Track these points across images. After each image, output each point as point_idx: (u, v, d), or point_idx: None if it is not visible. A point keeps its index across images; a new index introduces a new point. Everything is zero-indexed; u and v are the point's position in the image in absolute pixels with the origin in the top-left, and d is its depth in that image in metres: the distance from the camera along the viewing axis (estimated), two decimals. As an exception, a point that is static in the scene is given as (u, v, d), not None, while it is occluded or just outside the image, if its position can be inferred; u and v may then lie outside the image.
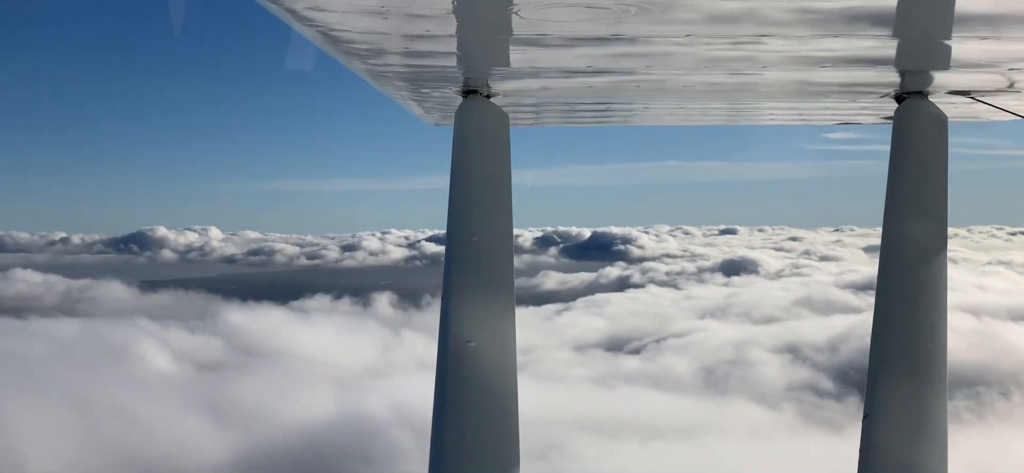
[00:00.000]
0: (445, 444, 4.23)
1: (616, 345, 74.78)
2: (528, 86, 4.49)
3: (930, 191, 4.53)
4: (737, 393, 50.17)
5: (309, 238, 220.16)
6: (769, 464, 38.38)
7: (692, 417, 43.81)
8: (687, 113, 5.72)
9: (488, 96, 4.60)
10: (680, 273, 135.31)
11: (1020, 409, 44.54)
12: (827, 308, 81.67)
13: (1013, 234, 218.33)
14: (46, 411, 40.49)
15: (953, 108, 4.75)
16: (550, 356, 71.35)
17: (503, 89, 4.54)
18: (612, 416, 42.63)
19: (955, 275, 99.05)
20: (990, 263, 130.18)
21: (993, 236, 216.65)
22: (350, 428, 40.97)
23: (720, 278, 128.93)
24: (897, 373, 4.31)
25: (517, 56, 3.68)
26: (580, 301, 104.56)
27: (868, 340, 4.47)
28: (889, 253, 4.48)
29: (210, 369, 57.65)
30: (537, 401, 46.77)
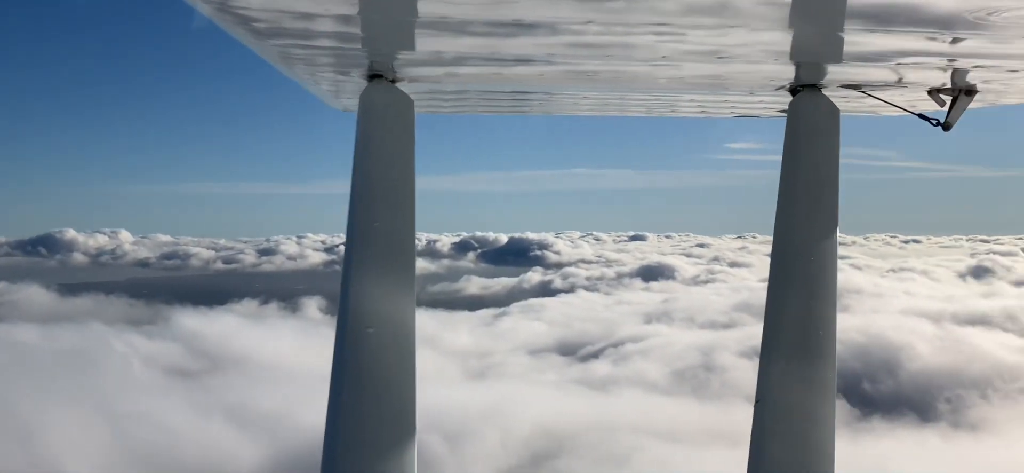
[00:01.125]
0: (341, 431, 4.23)
1: (568, 350, 75.45)
2: (435, 72, 4.40)
3: (822, 183, 4.65)
4: (731, 397, 51.44)
5: (223, 242, 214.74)
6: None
7: (707, 421, 44.83)
8: (592, 104, 5.76)
9: (393, 81, 4.56)
10: (600, 278, 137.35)
11: (1000, 410, 46.94)
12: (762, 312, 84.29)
13: (906, 242, 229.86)
14: (66, 420, 38.80)
15: (846, 102, 4.85)
16: (509, 360, 71.88)
17: (409, 74, 4.47)
18: (632, 420, 43.26)
19: (881, 282, 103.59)
20: (891, 270, 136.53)
21: (888, 244, 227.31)
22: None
23: (639, 283, 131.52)
24: (788, 361, 4.40)
25: (423, 40, 3.62)
26: (515, 306, 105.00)
27: None
28: (781, 244, 4.60)
29: (183, 375, 56.05)
30: (534, 405, 47.17)
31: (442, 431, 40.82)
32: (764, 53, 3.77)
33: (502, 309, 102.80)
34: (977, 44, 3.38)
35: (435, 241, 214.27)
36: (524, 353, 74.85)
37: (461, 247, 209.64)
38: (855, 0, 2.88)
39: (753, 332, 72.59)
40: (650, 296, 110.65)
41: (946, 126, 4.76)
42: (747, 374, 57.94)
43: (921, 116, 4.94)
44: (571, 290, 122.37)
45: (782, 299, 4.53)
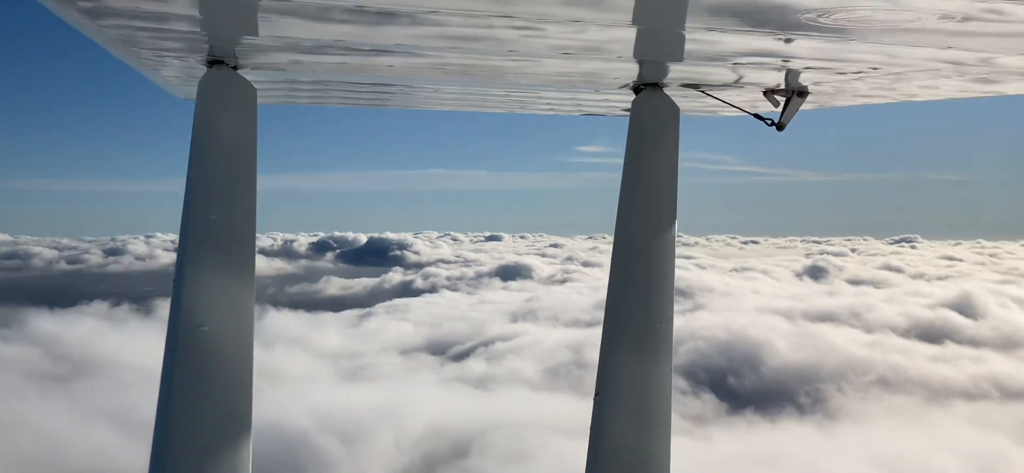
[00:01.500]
0: (170, 433, 4.08)
1: (438, 349, 76.15)
2: (277, 59, 4.30)
3: (662, 181, 4.73)
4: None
5: (66, 241, 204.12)
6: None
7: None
8: (450, 98, 5.76)
9: (235, 67, 4.43)
10: (460, 278, 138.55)
11: (855, 401, 50.55)
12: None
13: (745, 243, 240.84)
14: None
15: (686, 101, 4.97)
16: (382, 361, 72.02)
17: (251, 61, 4.36)
18: (520, 417, 44.40)
19: (729, 281, 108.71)
20: (735, 269, 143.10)
21: (728, 245, 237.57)
22: (272, 437, 40.25)
23: (498, 282, 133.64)
24: (627, 354, 4.46)
25: (265, 26, 3.55)
26: (380, 306, 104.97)
27: None
28: (622, 240, 4.66)
29: (50, 380, 53.87)
30: (422, 405, 47.70)
31: (335, 433, 41.01)
32: (609, 51, 3.82)
33: (366, 310, 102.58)
34: (809, 45, 3.48)
35: (292, 241, 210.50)
36: (395, 353, 75.14)
37: (319, 247, 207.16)
38: (692, 1, 2.95)
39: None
40: (511, 295, 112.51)
41: (780, 126, 4.95)
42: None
43: (757, 116, 5.10)
44: (434, 290, 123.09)
45: (622, 294, 4.58)
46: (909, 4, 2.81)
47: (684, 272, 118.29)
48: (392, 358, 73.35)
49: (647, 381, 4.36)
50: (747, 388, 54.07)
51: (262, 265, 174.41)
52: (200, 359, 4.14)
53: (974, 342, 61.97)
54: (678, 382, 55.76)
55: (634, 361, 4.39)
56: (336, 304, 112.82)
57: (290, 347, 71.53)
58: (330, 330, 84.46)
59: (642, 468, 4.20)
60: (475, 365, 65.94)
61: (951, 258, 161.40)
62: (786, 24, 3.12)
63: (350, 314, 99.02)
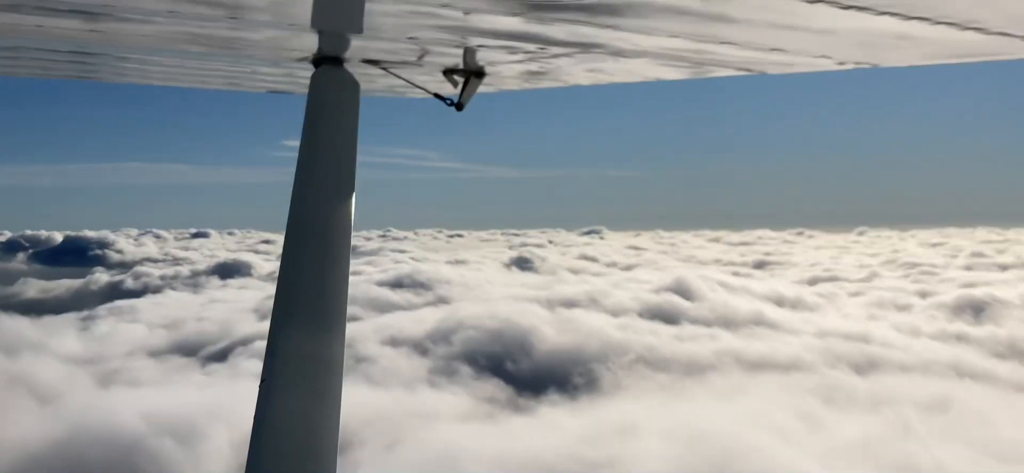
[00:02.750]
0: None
1: (189, 350, 74.71)
2: None
3: (340, 161, 4.58)
4: (393, 383, 55.68)
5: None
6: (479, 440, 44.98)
7: (394, 408, 48.72)
8: (149, 71, 5.52)
9: None
10: (175, 277, 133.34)
11: (623, 376, 56.60)
12: (379, 305, 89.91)
13: (451, 236, 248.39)
14: None
15: (369, 80, 4.94)
16: (136, 364, 69.40)
17: None
18: (355, 411, 45.80)
19: (465, 273, 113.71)
20: (452, 262, 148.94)
21: (436, 238, 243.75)
22: (97, 443, 39.03)
23: (217, 281, 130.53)
24: (299, 333, 4.22)
25: None
26: (102, 309, 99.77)
27: None
28: (296, 221, 4.42)
29: None
30: (229, 406, 47.47)
31: (171, 434, 40.56)
32: (284, 17, 3.71)
33: (87, 313, 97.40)
34: (483, 22, 3.48)
35: None
36: (144, 356, 72.70)
37: (9, 247, 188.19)
38: None
39: (382, 322, 77.75)
40: (240, 294, 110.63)
41: (459, 106, 4.99)
42: (402, 361, 62.77)
43: (438, 96, 5.12)
44: (149, 290, 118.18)
45: (294, 276, 4.36)
46: None
47: (403, 265, 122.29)
48: (144, 361, 70.88)
49: (318, 367, 4.18)
50: (525, 372, 58.62)
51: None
52: (296, 350, 4.14)
53: (705, 322, 70.63)
54: (462, 368, 59.45)
55: (304, 348, 4.18)
56: (39, 307, 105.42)
57: (35, 353, 67.14)
58: (66, 335, 79.63)
59: (307, 453, 3.92)
60: (246, 364, 65.57)
61: (636, 247, 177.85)
62: None
63: (69, 317, 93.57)
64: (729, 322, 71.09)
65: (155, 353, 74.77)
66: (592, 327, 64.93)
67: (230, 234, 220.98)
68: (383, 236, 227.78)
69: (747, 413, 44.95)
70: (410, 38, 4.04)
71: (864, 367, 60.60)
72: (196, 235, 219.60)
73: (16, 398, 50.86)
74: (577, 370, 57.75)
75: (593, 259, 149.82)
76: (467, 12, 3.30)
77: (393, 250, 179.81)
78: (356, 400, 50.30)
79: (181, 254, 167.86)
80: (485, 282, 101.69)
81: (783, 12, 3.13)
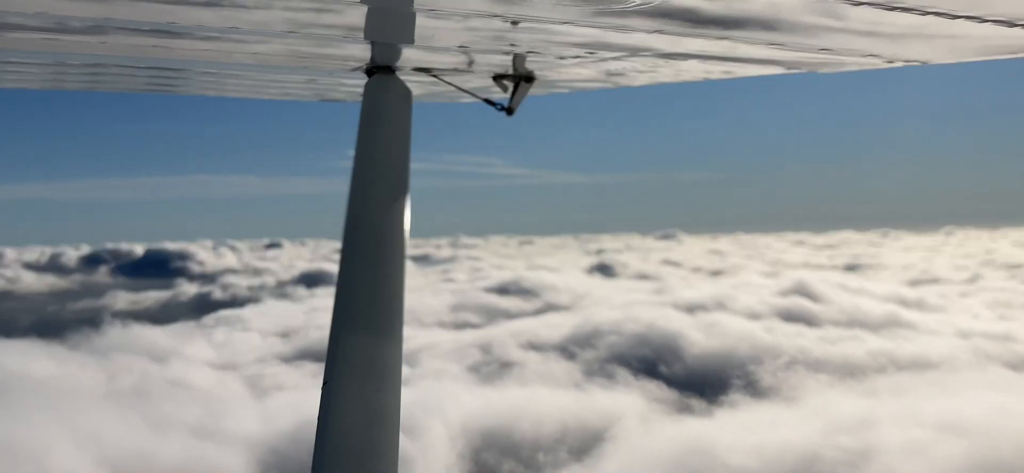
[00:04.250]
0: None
1: (317, 356, 74.96)
2: None
3: (394, 169, 4.65)
4: (561, 385, 55.66)
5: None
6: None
7: (575, 409, 48.73)
8: (172, 81, 5.54)
9: None
10: (261, 287, 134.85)
11: (786, 378, 56.16)
12: (491, 311, 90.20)
13: (521, 243, 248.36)
14: None
15: (420, 87, 5.00)
16: (274, 371, 70.11)
17: None
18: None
19: (571, 280, 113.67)
20: (535, 267, 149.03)
21: (506, 245, 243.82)
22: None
23: (303, 290, 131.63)
24: (357, 345, 4.29)
25: None
26: (209, 318, 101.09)
27: None
28: (353, 227, 4.52)
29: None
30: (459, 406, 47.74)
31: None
32: (338, 29, 3.77)
33: (194, 322, 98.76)
34: (531, 27, 3.52)
35: (59, 255, 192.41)
36: (278, 362, 73.40)
37: (92, 261, 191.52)
38: None
39: (521, 327, 77.81)
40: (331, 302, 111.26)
41: (509, 111, 5.02)
42: (554, 364, 62.74)
43: (488, 101, 5.16)
44: (241, 301, 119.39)
45: (352, 282, 4.45)
46: None
47: (505, 272, 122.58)
48: (277, 367, 71.59)
49: (376, 373, 4.19)
50: (682, 374, 58.37)
51: (32, 281, 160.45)
52: (356, 354, 4.20)
53: (844, 323, 69.99)
54: (618, 371, 59.30)
55: (364, 353, 4.23)
56: (130, 318, 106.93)
57: (182, 362, 67.98)
58: (195, 342, 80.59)
59: (369, 455, 3.98)
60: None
61: (717, 251, 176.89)
62: (511, 5, 3.12)
63: (180, 327, 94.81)
64: (866, 324, 70.32)
65: (286, 359, 75.63)
66: (738, 330, 64.54)
67: (302, 244, 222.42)
68: (453, 244, 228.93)
69: (948, 411, 44.32)
70: (460, 46, 4.05)
71: (1019, 365, 59.82)
72: (270, 245, 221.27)
73: (193, 402, 51.50)
74: (734, 373, 57.38)
75: (676, 264, 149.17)
76: (516, 20, 3.36)
77: (468, 258, 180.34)
78: (534, 401, 50.35)
79: (260, 264, 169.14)
80: (594, 287, 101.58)
81: (829, 12, 3.13)
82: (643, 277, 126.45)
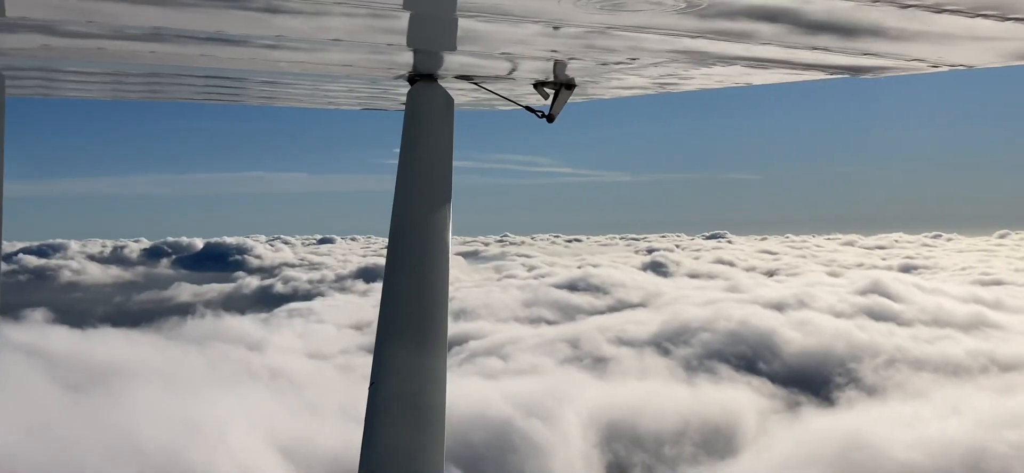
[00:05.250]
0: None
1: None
2: (26, 43, 3.90)
3: (436, 174, 4.74)
4: (664, 380, 56.18)
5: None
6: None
7: (693, 403, 49.27)
8: (217, 90, 5.62)
9: None
10: (321, 281, 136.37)
11: (893, 376, 56.37)
12: (565, 308, 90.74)
13: (569, 241, 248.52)
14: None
15: (462, 94, 5.08)
16: (360, 361, 71.03)
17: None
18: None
19: (638, 277, 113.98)
20: (586, 265, 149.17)
21: (554, 243, 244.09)
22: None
23: (362, 284, 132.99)
24: (402, 346, 4.39)
25: (12, 3, 3.19)
26: (279, 311, 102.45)
27: None
28: (397, 233, 4.63)
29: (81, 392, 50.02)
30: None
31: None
32: (381, 40, 3.83)
33: (267, 313, 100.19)
34: (573, 35, 3.56)
35: (122, 248, 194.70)
36: (363, 352, 74.29)
37: (153, 253, 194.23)
38: None
39: (596, 323, 78.32)
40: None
41: (550, 118, 5.10)
42: (652, 359, 63.25)
43: (528, 108, 5.21)
44: (303, 295, 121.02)
45: (398, 285, 4.55)
46: None
47: (572, 270, 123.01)
48: (363, 357, 72.55)
49: (422, 374, 4.31)
50: (782, 371, 58.67)
51: (97, 272, 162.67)
52: (402, 354, 4.30)
53: (931, 323, 70.03)
54: (721, 368, 59.74)
55: (409, 353, 4.35)
56: (187, 310, 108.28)
57: (279, 352, 69.06)
58: (281, 333, 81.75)
59: (415, 454, 4.09)
60: (490, 363, 66.56)
61: (768, 251, 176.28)
62: (552, 12, 3.15)
63: (252, 318, 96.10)
64: (953, 323, 70.37)
65: (368, 350, 76.21)
66: (832, 329, 64.82)
67: (353, 240, 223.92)
68: (500, 241, 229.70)
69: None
70: (502, 53, 4.12)
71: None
72: (322, 241, 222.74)
73: (306, 388, 52.44)
74: (835, 371, 57.64)
75: (729, 263, 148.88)
76: (557, 27, 3.42)
77: (518, 255, 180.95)
78: (652, 395, 50.91)
79: (315, 259, 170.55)
80: (661, 285, 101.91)
81: (874, 18, 3.12)
82: (698, 276, 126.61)
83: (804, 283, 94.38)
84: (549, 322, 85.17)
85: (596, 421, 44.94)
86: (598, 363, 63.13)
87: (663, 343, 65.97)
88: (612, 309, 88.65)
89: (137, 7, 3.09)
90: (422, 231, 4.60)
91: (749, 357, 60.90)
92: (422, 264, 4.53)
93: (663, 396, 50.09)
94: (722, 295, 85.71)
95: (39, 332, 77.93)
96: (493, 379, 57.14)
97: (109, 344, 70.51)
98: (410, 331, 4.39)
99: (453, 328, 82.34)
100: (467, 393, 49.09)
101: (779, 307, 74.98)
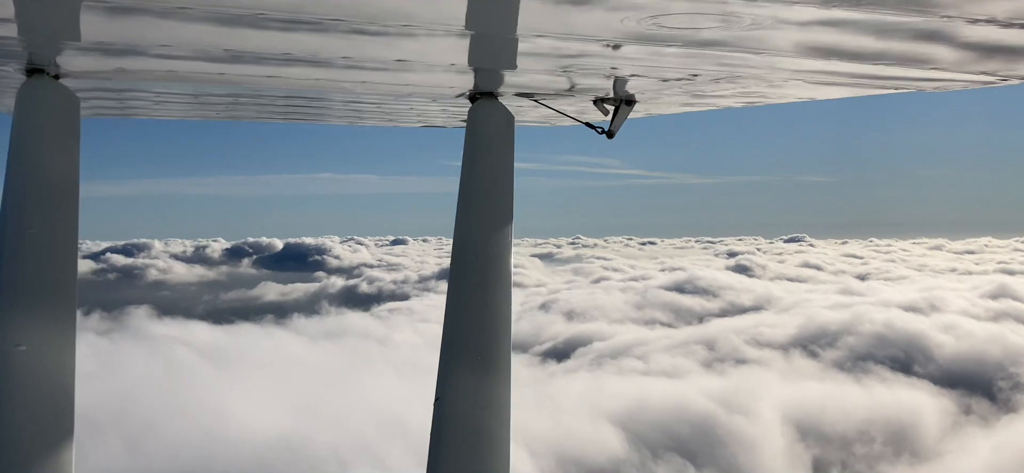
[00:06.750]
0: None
1: (557, 354, 73.45)
2: (102, 66, 4.05)
3: (498, 190, 4.74)
4: (816, 381, 54.93)
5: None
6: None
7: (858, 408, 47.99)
8: (281, 110, 5.77)
9: (57, 77, 4.24)
10: (404, 281, 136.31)
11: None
12: (679, 311, 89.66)
13: (643, 244, 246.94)
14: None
15: (522, 111, 5.10)
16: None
17: (74, 68, 4.14)
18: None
19: (744, 281, 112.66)
20: (665, 269, 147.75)
21: (628, 245, 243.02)
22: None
23: (445, 285, 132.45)
24: (466, 359, 4.42)
25: (88, 29, 3.31)
26: (379, 309, 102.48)
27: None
28: (460, 247, 4.66)
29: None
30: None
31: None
32: (443, 59, 3.85)
33: (365, 311, 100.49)
34: (634, 52, 3.55)
35: (204, 247, 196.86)
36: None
37: (234, 253, 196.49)
38: (527, 5, 2.92)
39: (745, 322, 77.00)
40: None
41: (610, 134, 5.11)
42: (798, 361, 61.97)
43: (588, 125, 5.25)
44: (387, 295, 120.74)
45: (461, 300, 4.59)
46: (720, 10, 2.87)
47: (677, 273, 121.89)
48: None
49: (486, 386, 4.36)
50: (939, 373, 57.11)
51: (182, 271, 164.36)
52: (19, 379, 3.97)
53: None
54: (877, 370, 58.35)
55: (473, 367, 4.40)
56: (278, 310, 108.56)
57: (406, 347, 68.74)
58: (399, 329, 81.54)
59: (482, 461, 4.19)
60: (629, 363, 65.67)
61: (853, 255, 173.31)
62: (612, 31, 3.16)
63: (358, 316, 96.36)
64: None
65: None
66: (983, 333, 63.20)
67: (425, 241, 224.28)
68: (573, 244, 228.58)
69: None
70: (562, 70, 4.06)
71: None
72: (395, 242, 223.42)
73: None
74: (996, 374, 55.92)
75: (816, 267, 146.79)
76: (617, 46, 3.36)
77: (595, 258, 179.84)
78: (833, 396, 49.74)
79: (392, 259, 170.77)
80: (770, 289, 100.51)
81: (942, 31, 3.01)
82: (785, 279, 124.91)
83: (921, 288, 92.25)
84: (664, 324, 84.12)
85: (788, 418, 43.95)
86: (739, 364, 62.05)
87: (809, 345, 64.65)
88: (725, 312, 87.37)
89: (212, 28, 3.13)
90: (486, 244, 4.61)
91: (903, 360, 59.39)
92: (486, 286, 4.55)
93: (840, 397, 48.88)
94: (848, 299, 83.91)
95: (168, 327, 78.60)
96: (647, 377, 56.30)
97: (247, 337, 70.76)
98: (473, 354, 4.42)
99: (568, 329, 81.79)
100: (618, 392, 48.42)
101: (911, 310, 73.41)
